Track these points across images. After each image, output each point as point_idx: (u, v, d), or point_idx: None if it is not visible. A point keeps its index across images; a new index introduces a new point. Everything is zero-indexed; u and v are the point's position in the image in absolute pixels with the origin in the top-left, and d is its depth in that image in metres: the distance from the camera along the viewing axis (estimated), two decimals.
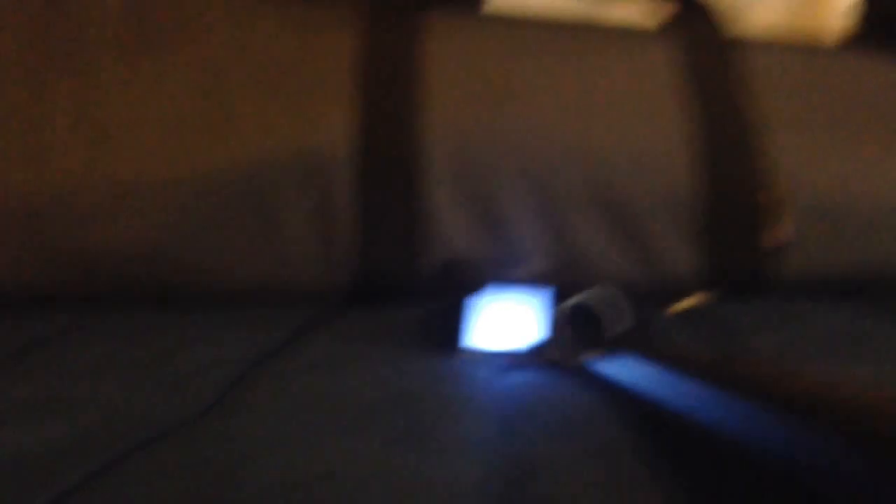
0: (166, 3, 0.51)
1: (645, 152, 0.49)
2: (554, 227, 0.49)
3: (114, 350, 0.39)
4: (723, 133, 0.50)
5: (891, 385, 0.37)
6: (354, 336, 0.42)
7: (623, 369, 0.34)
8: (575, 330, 0.39)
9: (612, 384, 0.34)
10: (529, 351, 0.38)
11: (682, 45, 0.52)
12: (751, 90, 0.51)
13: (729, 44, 0.52)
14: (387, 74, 0.48)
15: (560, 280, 0.40)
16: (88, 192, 0.47)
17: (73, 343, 0.41)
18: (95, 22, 0.50)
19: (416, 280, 0.48)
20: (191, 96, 0.49)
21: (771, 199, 0.49)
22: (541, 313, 0.39)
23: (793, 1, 0.71)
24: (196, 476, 0.26)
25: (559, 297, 0.38)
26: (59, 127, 0.48)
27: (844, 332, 0.44)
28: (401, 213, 0.48)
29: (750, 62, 0.52)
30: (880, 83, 0.54)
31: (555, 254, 0.49)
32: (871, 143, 0.51)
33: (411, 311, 0.45)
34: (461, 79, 0.49)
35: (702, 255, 0.49)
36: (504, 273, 0.44)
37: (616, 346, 0.36)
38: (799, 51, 0.54)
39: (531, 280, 0.40)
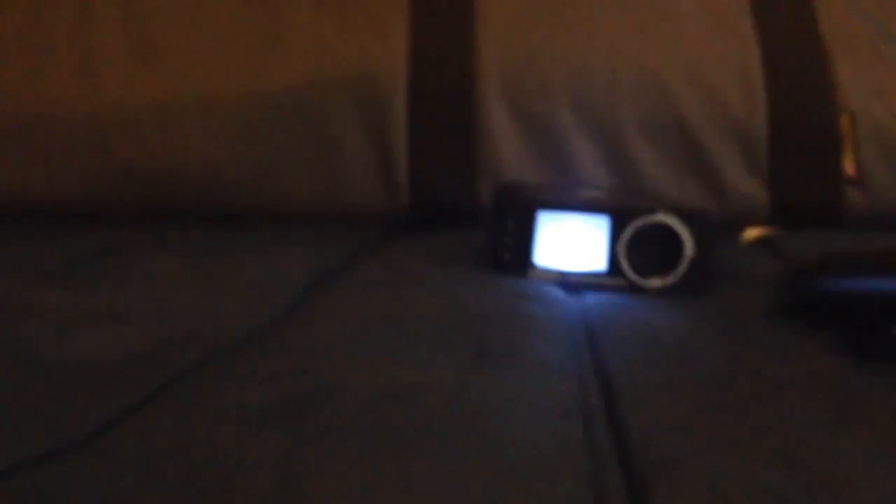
0: None
1: (709, 76, 0.48)
2: (612, 150, 0.48)
3: (182, 263, 0.38)
4: (794, 58, 0.48)
5: None
6: (418, 256, 0.41)
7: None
8: (642, 253, 0.38)
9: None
10: (600, 272, 0.37)
11: None
12: (819, 14, 0.49)
13: None
14: None
15: (622, 204, 0.39)
16: (141, 107, 0.46)
17: (144, 254, 0.41)
18: None
19: (472, 203, 0.48)
20: (243, 4, 0.48)
21: (842, 129, 0.47)
22: (606, 236, 0.38)
23: None
24: (285, 385, 0.25)
25: (622, 221, 0.37)
26: (107, 42, 0.47)
27: None
28: (456, 134, 0.48)
29: None
30: None
31: (614, 178, 0.48)
32: None
33: (470, 235, 0.44)
34: (516, 0, 0.48)
35: (769, 185, 0.48)
36: (564, 196, 0.43)
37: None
38: None
39: (593, 204, 0.38)
